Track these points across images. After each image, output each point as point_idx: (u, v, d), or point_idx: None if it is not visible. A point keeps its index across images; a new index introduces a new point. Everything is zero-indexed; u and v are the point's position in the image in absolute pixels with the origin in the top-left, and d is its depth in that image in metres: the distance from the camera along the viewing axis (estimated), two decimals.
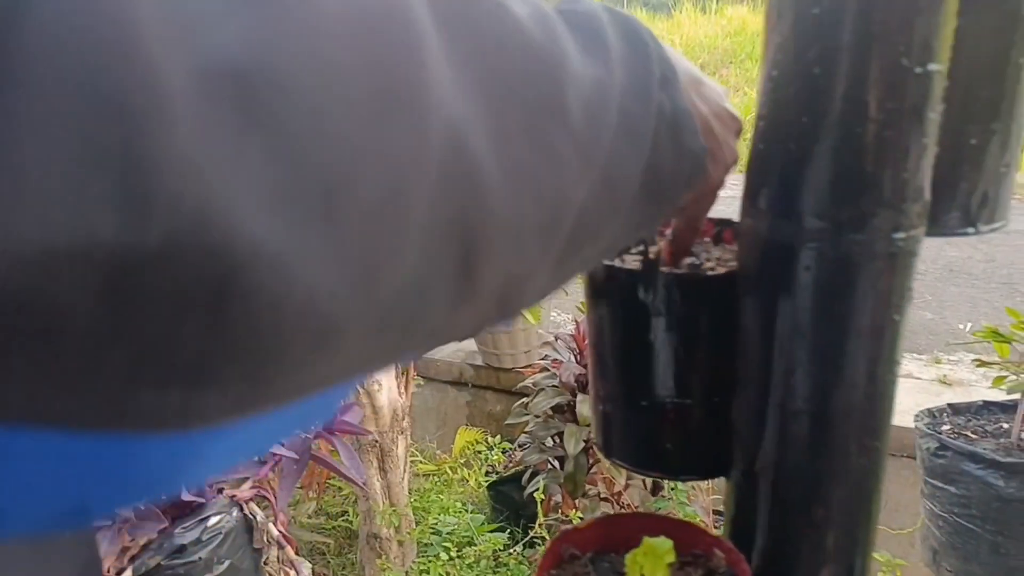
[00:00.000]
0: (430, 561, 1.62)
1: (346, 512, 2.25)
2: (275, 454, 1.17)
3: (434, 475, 2.26)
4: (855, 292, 0.41)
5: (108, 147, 0.14)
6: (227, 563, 1.14)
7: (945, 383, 2.59)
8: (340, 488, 2.40)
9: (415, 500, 1.77)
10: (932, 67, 0.37)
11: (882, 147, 0.38)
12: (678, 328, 0.49)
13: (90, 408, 0.16)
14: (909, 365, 2.71)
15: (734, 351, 0.47)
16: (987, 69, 0.44)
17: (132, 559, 1.07)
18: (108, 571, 1.01)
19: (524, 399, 1.89)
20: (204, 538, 1.11)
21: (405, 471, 1.70)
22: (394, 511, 1.58)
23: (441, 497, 1.72)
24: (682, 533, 0.53)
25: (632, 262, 0.53)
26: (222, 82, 0.15)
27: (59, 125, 0.13)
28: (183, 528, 1.10)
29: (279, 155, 0.16)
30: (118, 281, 0.14)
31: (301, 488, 2.24)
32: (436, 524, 1.60)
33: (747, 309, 0.45)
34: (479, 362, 3.10)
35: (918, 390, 2.54)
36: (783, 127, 0.40)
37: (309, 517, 2.29)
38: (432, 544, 1.69)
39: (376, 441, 1.61)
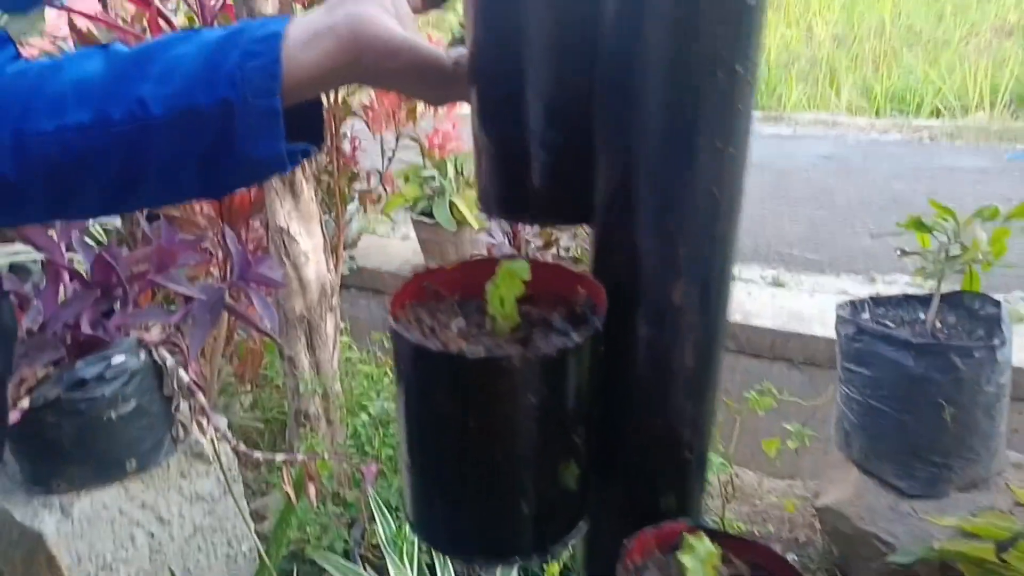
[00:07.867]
0: (359, 442, 1.63)
1: (282, 406, 2.25)
2: (187, 299, 1.14)
3: (373, 376, 2.27)
4: None
5: None
6: (133, 402, 1.12)
7: None
8: (278, 387, 2.39)
9: (347, 384, 1.77)
10: None
11: None
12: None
13: None
14: (845, 282, 2.77)
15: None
16: None
17: (30, 390, 1.04)
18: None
19: None
20: (108, 375, 1.08)
21: (334, 349, 1.69)
22: (319, 381, 1.58)
23: (368, 384, 1.73)
24: (545, 272, 0.53)
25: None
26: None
27: None
28: (84, 363, 1.08)
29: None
30: None
31: (236, 376, 2.22)
32: (364, 403, 1.61)
33: None
34: None
35: None
36: None
37: (244, 410, 2.28)
38: (358, 428, 1.69)
39: (304, 316, 1.59)
